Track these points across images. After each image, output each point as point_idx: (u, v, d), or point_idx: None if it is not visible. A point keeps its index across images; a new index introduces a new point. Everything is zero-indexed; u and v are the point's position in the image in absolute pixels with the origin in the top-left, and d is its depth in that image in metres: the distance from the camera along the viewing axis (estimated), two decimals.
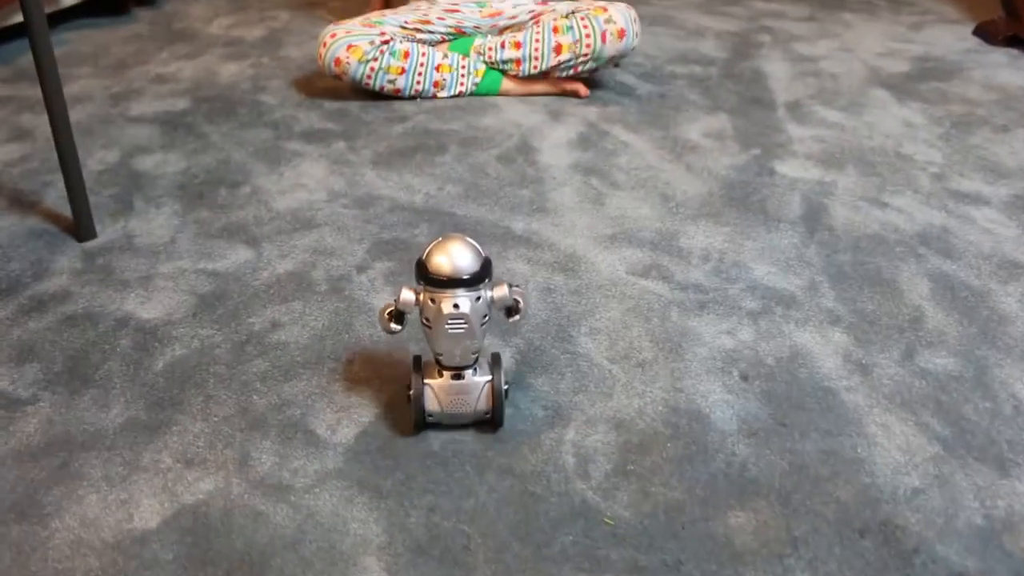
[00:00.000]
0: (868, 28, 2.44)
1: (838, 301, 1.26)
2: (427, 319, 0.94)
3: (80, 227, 1.39)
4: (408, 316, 0.99)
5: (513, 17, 1.93)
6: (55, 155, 1.58)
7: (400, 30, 1.84)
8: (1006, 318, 1.22)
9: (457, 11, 1.89)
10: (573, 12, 1.85)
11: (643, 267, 1.33)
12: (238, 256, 1.34)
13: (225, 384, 1.09)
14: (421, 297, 0.94)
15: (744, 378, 1.10)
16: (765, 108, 1.90)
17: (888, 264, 1.35)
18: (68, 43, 2.23)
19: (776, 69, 2.13)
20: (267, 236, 1.39)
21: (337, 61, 1.78)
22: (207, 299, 1.24)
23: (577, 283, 1.28)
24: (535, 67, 1.87)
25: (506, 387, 1.00)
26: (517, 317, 0.99)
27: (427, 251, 0.94)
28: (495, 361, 0.99)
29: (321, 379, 1.09)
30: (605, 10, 1.83)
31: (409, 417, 1.01)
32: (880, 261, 1.36)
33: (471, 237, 0.95)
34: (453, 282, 0.92)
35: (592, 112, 1.85)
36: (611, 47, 1.83)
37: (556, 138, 1.74)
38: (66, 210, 1.41)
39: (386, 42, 1.79)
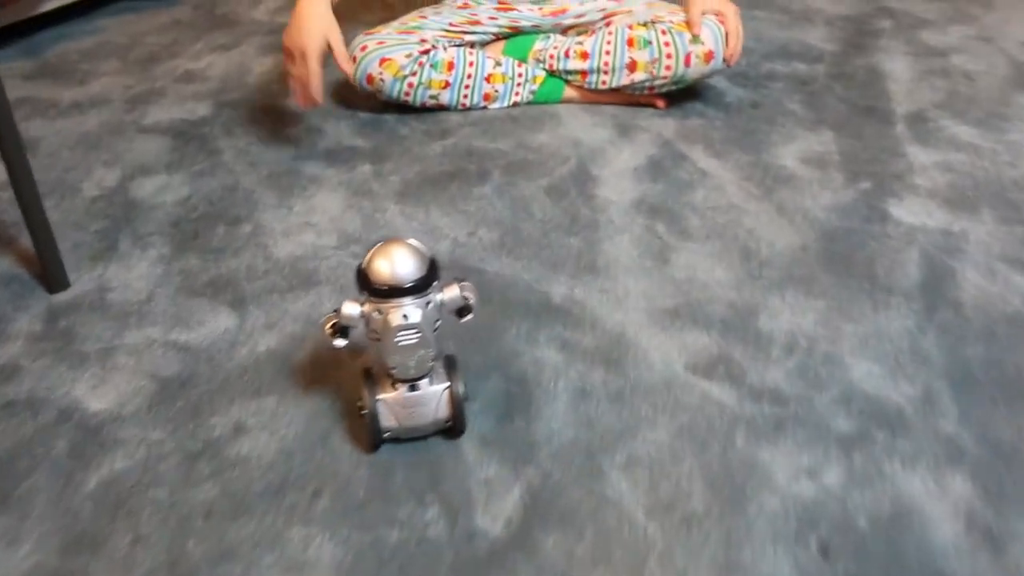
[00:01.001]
0: (1014, 9, 2.04)
1: (962, 424, 0.96)
2: (374, 331, 0.88)
3: (50, 277, 1.20)
4: (352, 330, 0.91)
5: (580, 16, 1.63)
6: (53, 174, 1.41)
7: (444, 34, 1.57)
8: None
9: (511, 9, 1.61)
10: (653, 22, 1.53)
11: (708, 360, 1.05)
12: (218, 324, 1.13)
13: (161, 518, 0.88)
14: (366, 308, 0.88)
15: (824, 551, 0.82)
16: (880, 122, 1.57)
17: None
18: (102, 31, 2.05)
19: (897, 67, 1.77)
20: (256, 296, 1.17)
21: (369, 78, 1.53)
22: (169, 386, 1.04)
23: (620, 384, 1.02)
24: (603, 83, 1.58)
25: (464, 391, 0.94)
26: (469, 316, 0.93)
27: (367, 258, 0.88)
28: (450, 365, 0.94)
29: (277, 518, 0.87)
30: None
31: (363, 435, 0.93)
32: (1023, 358, 1.04)
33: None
34: (399, 291, 0.87)
35: (669, 126, 1.56)
36: (695, 71, 1.52)
37: (621, 163, 1.45)
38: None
39: (426, 52, 1.53)
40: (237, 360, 1.07)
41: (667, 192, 1.37)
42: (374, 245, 0.88)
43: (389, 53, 1.52)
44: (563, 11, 1.62)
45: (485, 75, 1.58)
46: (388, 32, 1.55)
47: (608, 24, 1.60)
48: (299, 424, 0.98)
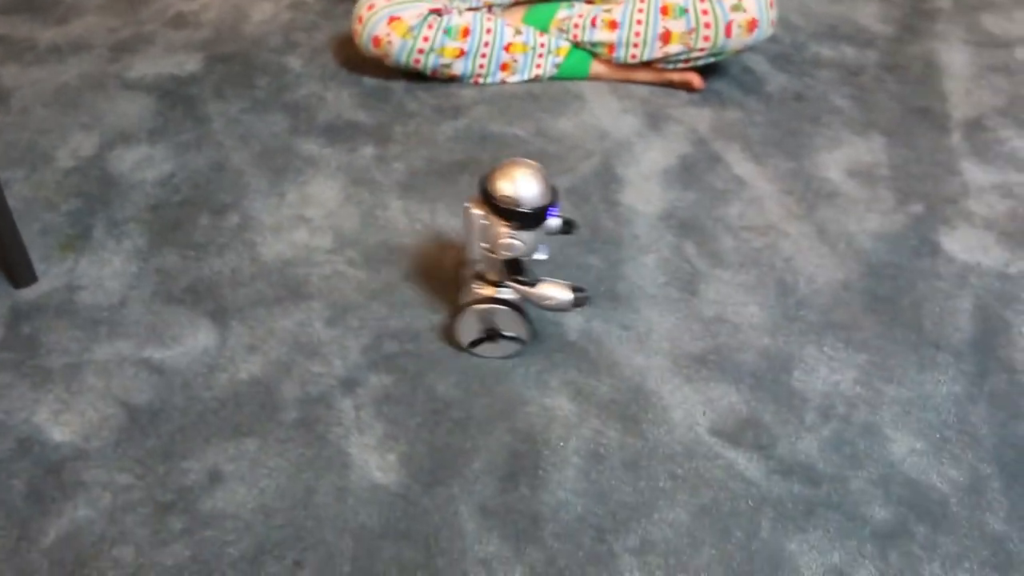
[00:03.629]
0: None
1: (1012, 521, 0.86)
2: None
3: (15, 268, 1.09)
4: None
5: None
6: (25, 136, 1.29)
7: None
8: None
9: None
10: None
11: (735, 424, 0.95)
12: (196, 341, 1.02)
13: None
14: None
15: None
16: (935, 128, 1.43)
17: None
18: None
19: (955, 59, 1.62)
20: (240, 308, 1.06)
21: (376, 41, 1.38)
22: (139, 417, 0.94)
23: (637, 447, 0.92)
24: (633, 56, 1.44)
25: None
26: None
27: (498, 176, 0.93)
28: None
29: None
30: None
31: None
32: None
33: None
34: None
35: (704, 118, 1.42)
36: (736, 42, 1.38)
37: (650, 162, 1.33)
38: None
39: (437, 11, 1.38)
40: (216, 389, 0.97)
41: (699, 204, 1.25)
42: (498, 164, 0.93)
43: (399, 11, 1.37)
44: None
45: (504, 44, 1.43)
46: None
47: None
48: (281, 476, 0.88)
